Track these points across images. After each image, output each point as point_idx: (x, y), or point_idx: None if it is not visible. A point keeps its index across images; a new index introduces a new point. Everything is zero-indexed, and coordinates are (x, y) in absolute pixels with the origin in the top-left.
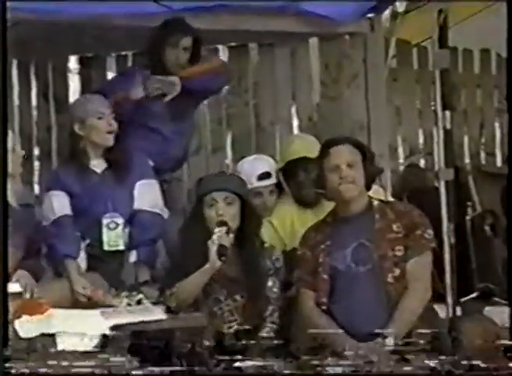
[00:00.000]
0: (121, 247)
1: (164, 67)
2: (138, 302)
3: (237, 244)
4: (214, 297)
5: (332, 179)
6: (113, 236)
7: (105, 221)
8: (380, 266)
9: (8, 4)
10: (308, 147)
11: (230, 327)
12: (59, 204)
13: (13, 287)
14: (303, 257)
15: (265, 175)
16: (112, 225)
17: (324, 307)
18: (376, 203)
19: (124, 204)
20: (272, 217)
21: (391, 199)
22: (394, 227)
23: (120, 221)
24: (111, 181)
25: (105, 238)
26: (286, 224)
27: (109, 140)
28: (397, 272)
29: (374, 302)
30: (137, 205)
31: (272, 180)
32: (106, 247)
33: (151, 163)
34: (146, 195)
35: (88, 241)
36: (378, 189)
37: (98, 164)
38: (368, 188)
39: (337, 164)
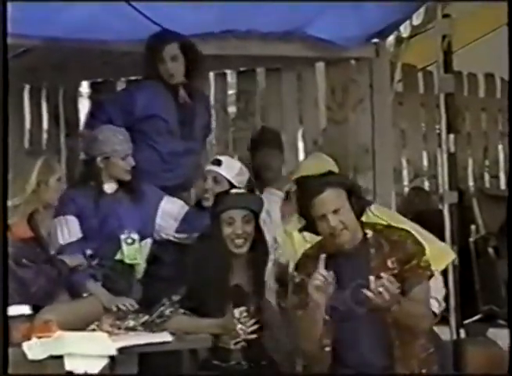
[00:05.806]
0: (139, 261)
1: (164, 81)
2: (144, 324)
3: (250, 261)
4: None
5: (323, 228)
6: (132, 251)
7: (122, 236)
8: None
9: (14, 30)
10: (318, 166)
11: (237, 343)
12: (74, 229)
13: (22, 309)
14: (304, 284)
15: (216, 162)
16: (129, 241)
17: (328, 348)
18: (370, 235)
19: (136, 221)
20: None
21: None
22: (389, 263)
23: (136, 237)
24: (123, 200)
25: (125, 252)
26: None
27: (128, 176)
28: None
29: (376, 343)
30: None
31: (221, 170)
32: (126, 261)
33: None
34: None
35: (96, 261)
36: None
37: (109, 187)
38: (359, 218)
39: (323, 214)
